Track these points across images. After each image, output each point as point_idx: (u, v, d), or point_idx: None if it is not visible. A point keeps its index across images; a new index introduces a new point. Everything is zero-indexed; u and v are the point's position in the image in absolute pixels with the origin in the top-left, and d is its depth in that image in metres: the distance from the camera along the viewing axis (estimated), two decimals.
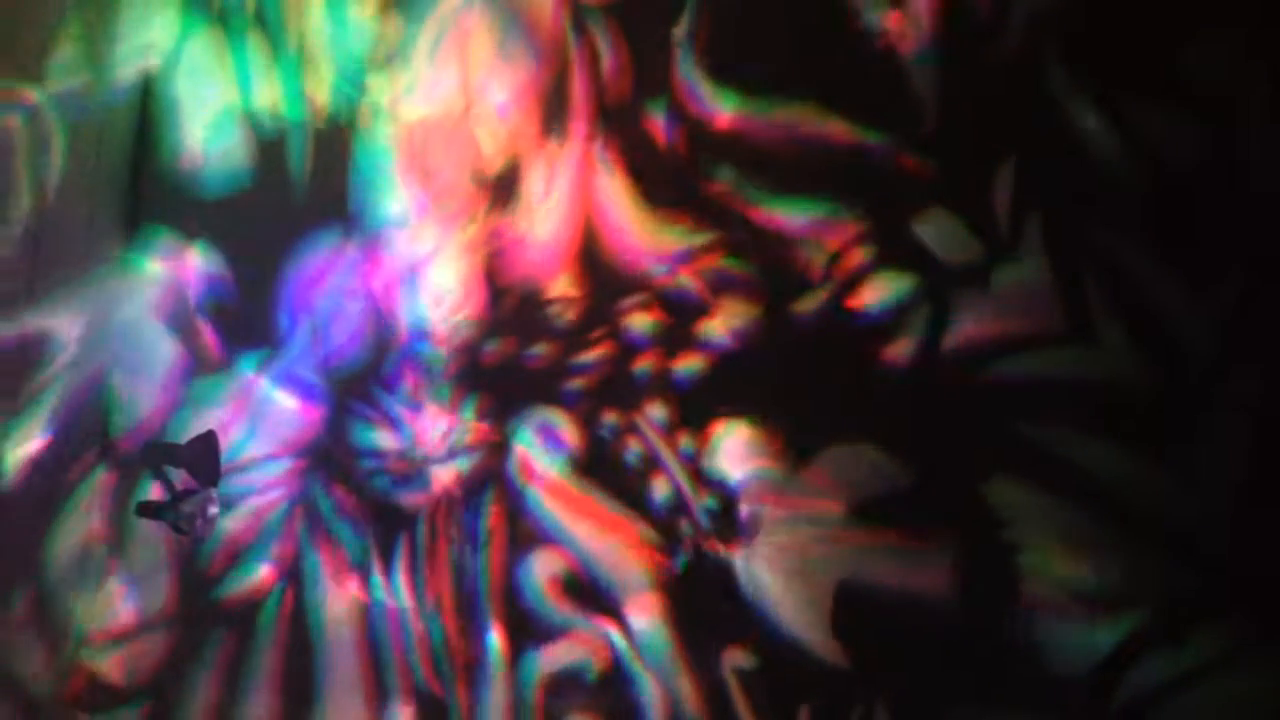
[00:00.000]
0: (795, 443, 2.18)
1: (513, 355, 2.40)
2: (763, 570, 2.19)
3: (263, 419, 2.57)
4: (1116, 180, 1.98)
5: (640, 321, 2.32)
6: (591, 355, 2.35)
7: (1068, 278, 2.00)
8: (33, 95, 2.41)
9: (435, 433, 2.44)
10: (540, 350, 2.38)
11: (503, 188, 2.42)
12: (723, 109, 2.26)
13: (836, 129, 2.17)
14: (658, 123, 2.31)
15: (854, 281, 2.14)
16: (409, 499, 2.47)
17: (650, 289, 2.31)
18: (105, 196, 2.59)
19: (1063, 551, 1.99)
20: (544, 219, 2.38)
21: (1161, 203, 1.95)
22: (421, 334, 2.47)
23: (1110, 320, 1.98)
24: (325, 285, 2.54)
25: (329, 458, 2.51)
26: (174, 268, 2.65)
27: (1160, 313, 1.95)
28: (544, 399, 2.37)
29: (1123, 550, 1.95)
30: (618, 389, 2.31)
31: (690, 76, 2.28)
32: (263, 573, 2.54)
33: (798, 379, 2.19)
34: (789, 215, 2.20)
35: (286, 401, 2.56)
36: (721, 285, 2.25)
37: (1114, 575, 1.96)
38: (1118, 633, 1.95)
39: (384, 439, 2.48)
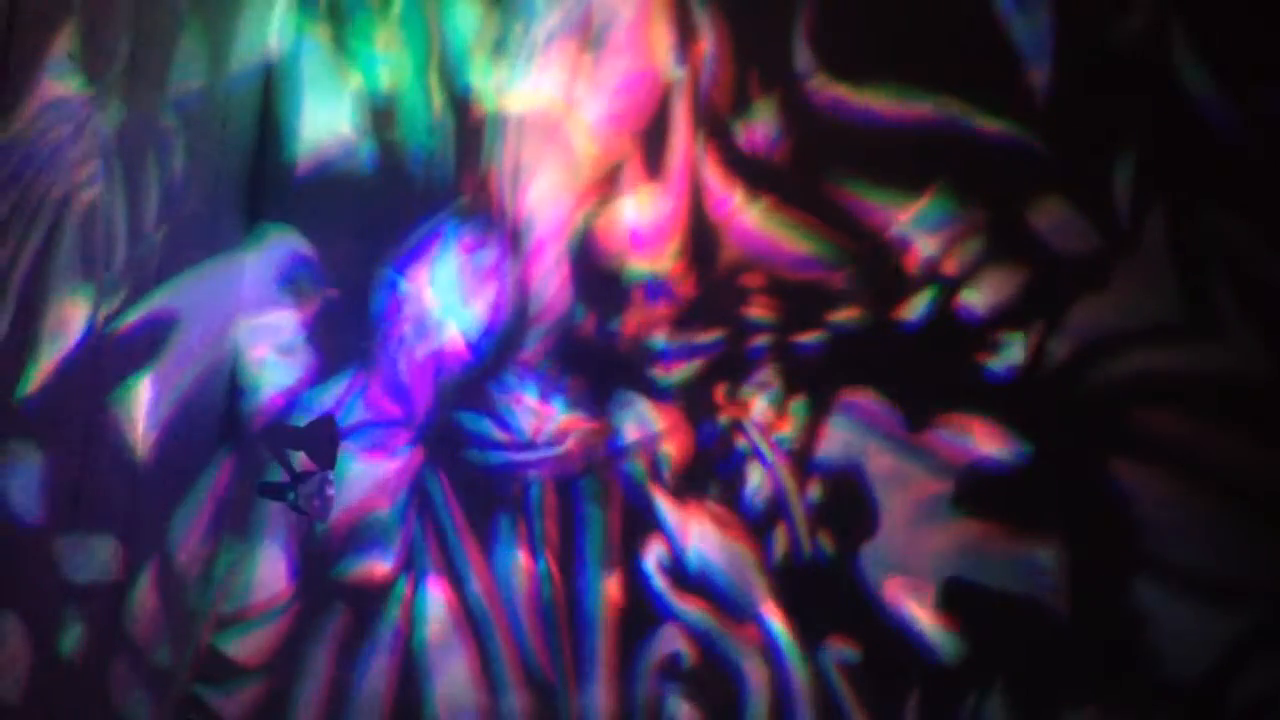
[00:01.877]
0: (907, 428, 2.16)
1: (620, 342, 2.42)
2: (869, 558, 2.17)
3: (377, 406, 2.62)
4: (1243, 165, 1.93)
5: (754, 310, 2.32)
6: (701, 340, 2.36)
7: (1189, 268, 1.96)
8: (156, 93, 2.50)
9: (542, 419, 2.47)
10: (647, 337, 2.39)
11: (612, 180, 2.44)
12: (832, 98, 2.25)
13: (948, 114, 2.15)
14: (767, 117, 2.31)
15: (965, 276, 2.12)
16: (518, 482, 2.50)
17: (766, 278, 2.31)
18: (227, 189, 2.67)
19: (1183, 541, 1.95)
20: (652, 209, 2.40)
21: None
22: (528, 322, 2.50)
23: (1234, 310, 1.93)
24: (437, 274, 2.59)
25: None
26: (292, 255, 2.72)
27: None
28: (648, 387, 2.38)
29: (1246, 540, 1.90)
30: (726, 380, 2.32)
31: (800, 67, 2.28)
32: (382, 557, 2.59)
33: (909, 365, 2.18)
34: (898, 206, 2.18)
35: (397, 388, 2.61)
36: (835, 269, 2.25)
37: (1236, 566, 1.91)
38: (1238, 626, 1.90)
39: (494, 424, 2.52)
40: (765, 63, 2.31)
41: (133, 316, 2.43)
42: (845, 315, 2.23)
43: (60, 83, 2.25)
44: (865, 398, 2.20)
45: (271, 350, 2.68)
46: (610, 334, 2.42)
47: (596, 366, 2.43)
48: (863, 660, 2.17)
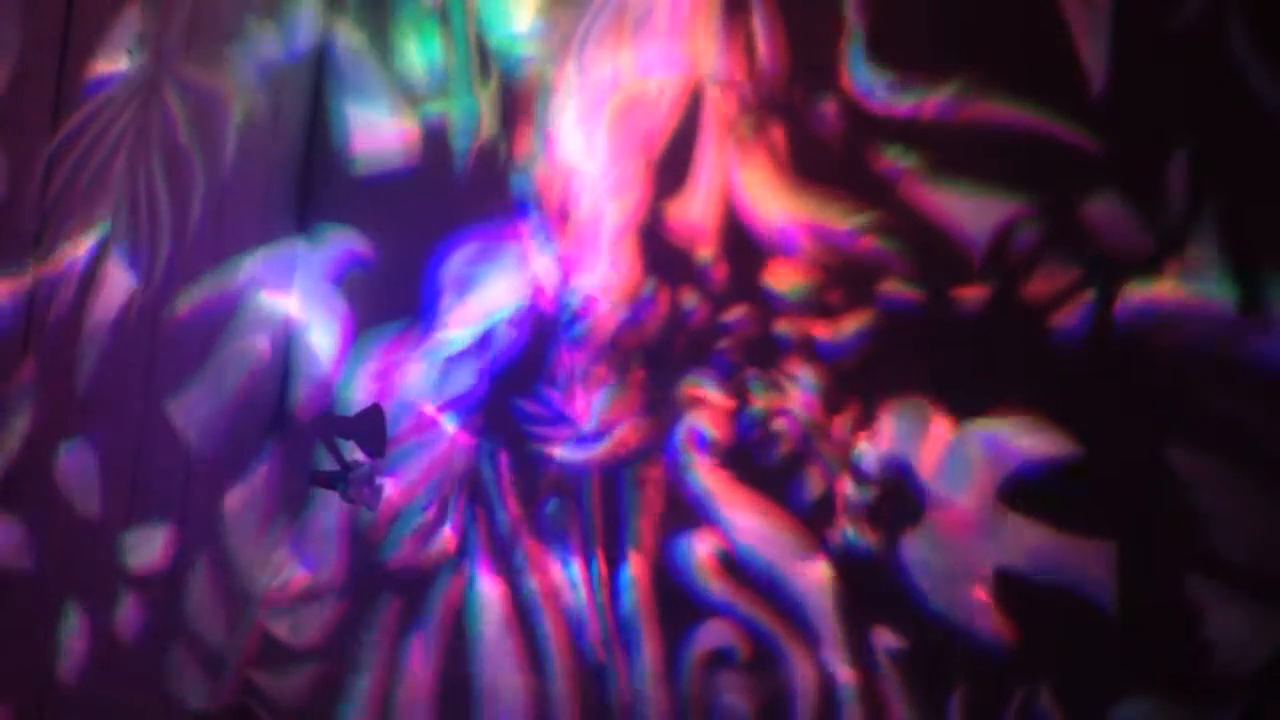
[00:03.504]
0: (957, 418, 2.15)
1: (666, 333, 2.42)
2: (922, 549, 2.17)
3: (427, 393, 2.64)
4: None
5: (791, 288, 2.30)
6: (738, 324, 2.35)
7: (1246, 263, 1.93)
8: (213, 76, 2.52)
9: (590, 408, 2.48)
10: (695, 329, 2.39)
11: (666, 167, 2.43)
12: (883, 87, 2.23)
13: (1002, 106, 2.12)
14: (820, 102, 2.29)
15: (1019, 269, 2.10)
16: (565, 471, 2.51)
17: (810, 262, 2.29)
18: (279, 179, 2.70)
19: (1241, 533, 1.92)
20: (700, 197, 2.39)
21: None
22: (577, 313, 2.50)
23: None
24: (485, 262, 2.60)
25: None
26: (344, 241, 2.74)
27: None
28: (695, 374, 2.38)
29: None
30: (768, 367, 2.31)
31: (850, 54, 2.26)
32: (435, 543, 2.61)
33: (962, 355, 2.16)
34: (953, 196, 2.16)
35: (449, 376, 2.62)
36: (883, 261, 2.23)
37: None
38: None
39: (541, 411, 2.53)
40: (818, 55, 2.29)
41: (185, 305, 2.46)
42: (896, 296, 2.21)
43: (118, 71, 2.28)
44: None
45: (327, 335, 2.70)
46: (678, 318, 2.42)
47: (659, 352, 2.43)
48: (910, 652, 2.17)
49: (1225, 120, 1.96)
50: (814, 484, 2.27)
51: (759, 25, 2.34)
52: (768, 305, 2.32)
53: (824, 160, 2.28)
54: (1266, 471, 1.90)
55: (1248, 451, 1.92)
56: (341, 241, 2.72)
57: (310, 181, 2.74)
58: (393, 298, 2.67)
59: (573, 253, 2.51)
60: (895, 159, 2.21)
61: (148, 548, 2.43)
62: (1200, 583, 1.94)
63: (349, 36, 2.73)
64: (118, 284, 2.32)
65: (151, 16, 2.30)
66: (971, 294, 2.15)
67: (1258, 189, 1.94)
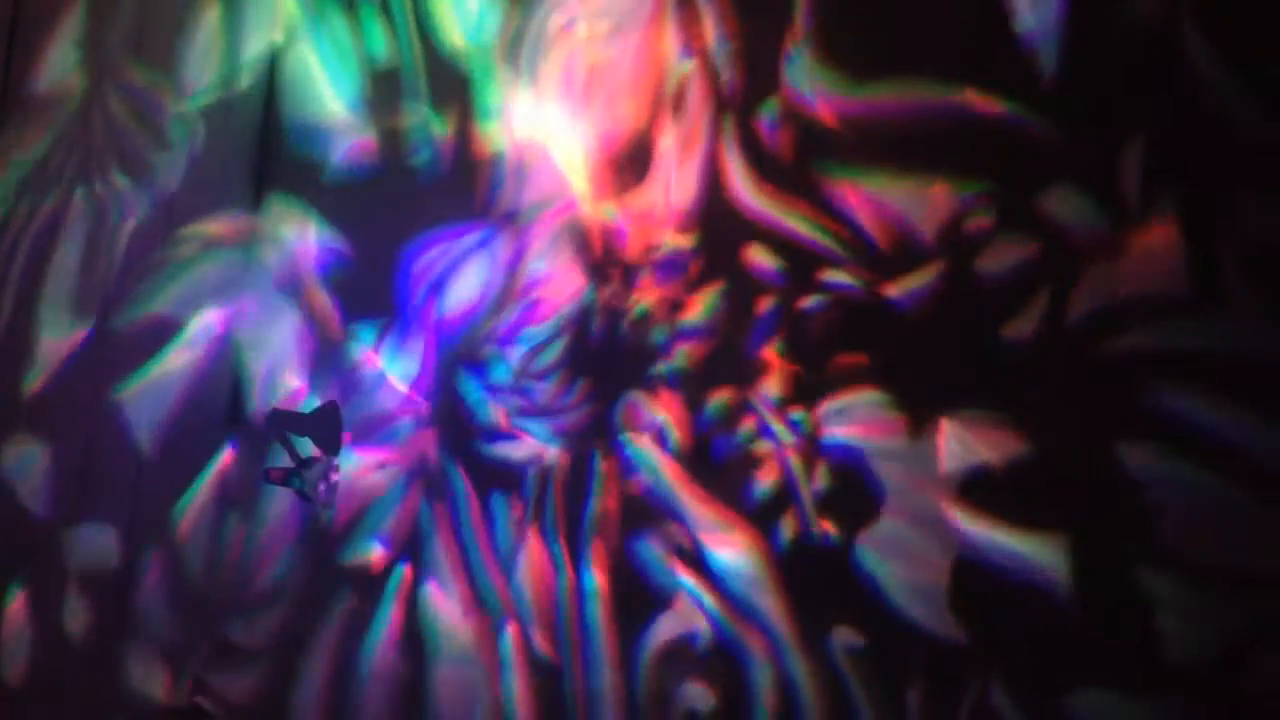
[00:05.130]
0: (912, 414, 2.14)
1: (622, 327, 2.41)
2: (878, 546, 2.16)
3: (381, 389, 2.63)
4: (1255, 141, 1.89)
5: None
6: (700, 322, 2.35)
7: (1200, 243, 1.92)
8: (162, 82, 2.51)
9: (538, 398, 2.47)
10: (649, 325, 2.38)
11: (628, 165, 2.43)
12: (834, 90, 2.22)
13: (954, 99, 2.12)
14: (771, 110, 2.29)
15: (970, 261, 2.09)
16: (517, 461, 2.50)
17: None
18: (233, 179, 2.68)
19: (1192, 524, 1.92)
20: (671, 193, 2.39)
21: None
22: (532, 305, 2.50)
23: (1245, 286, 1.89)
24: (445, 257, 2.59)
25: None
26: (298, 239, 2.73)
27: None
28: (647, 373, 2.37)
29: (1259, 521, 1.87)
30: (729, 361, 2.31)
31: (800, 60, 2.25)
32: (380, 545, 2.61)
33: (915, 349, 2.16)
34: (901, 191, 2.15)
35: (404, 371, 2.61)
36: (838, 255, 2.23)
37: (1249, 551, 1.88)
38: (1249, 612, 1.87)
39: (494, 402, 2.52)
40: (769, 53, 2.29)
41: (138, 309, 2.45)
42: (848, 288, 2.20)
43: (65, 71, 2.27)
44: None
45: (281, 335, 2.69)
46: (619, 314, 2.41)
47: (604, 349, 2.42)
48: (868, 648, 2.17)
49: (1178, 107, 1.96)
50: (769, 477, 2.26)
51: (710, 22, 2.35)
52: (728, 296, 2.32)
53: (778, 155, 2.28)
54: (1219, 463, 1.91)
55: (1200, 444, 1.92)
56: (297, 240, 2.71)
57: (265, 182, 2.73)
58: (353, 296, 2.67)
59: (529, 247, 2.51)
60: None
61: (97, 545, 2.42)
62: (1153, 575, 1.94)
63: (307, 33, 2.72)
64: (68, 289, 2.32)
65: (97, 16, 2.29)
66: (921, 286, 2.15)
67: (1211, 177, 1.94)
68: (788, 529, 2.23)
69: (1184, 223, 1.92)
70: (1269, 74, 1.85)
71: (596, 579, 2.41)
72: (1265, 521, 1.84)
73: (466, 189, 2.57)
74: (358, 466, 2.60)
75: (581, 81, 2.47)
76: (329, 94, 2.71)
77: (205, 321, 2.62)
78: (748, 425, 2.28)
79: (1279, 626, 1.83)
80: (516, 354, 2.50)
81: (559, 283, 2.47)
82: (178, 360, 2.57)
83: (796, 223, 2.25)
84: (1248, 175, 1.87)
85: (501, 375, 2.52)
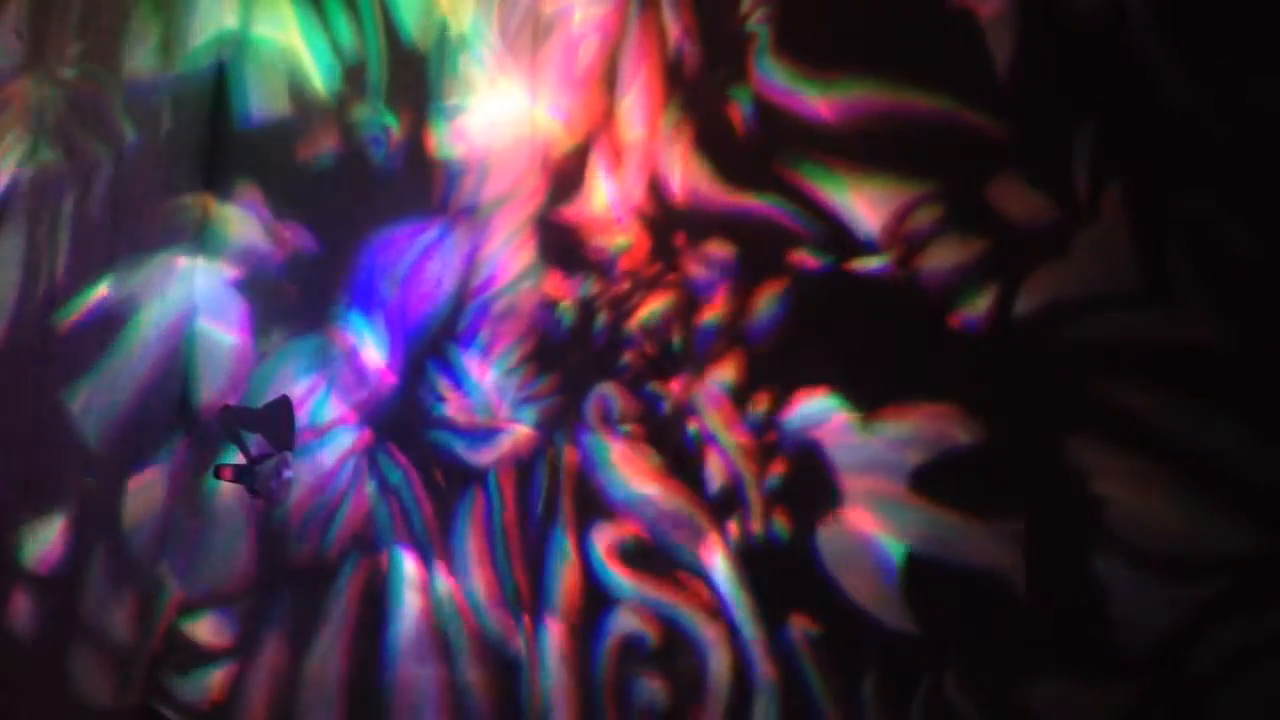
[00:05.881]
0: (862, 407, 2.15)
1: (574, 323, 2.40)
2: (831, 538, 2.17)
3: (338, 384, 2.61)
4: (1203, 137, 1.91)
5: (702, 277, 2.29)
6: (651, 317, 2.34)
7: (1149, 239, 1.94)
8: (106, 71, 2.47)
9: (500, 395, 2.46)
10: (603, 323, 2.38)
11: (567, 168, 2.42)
12: (792, 86, 2.22)
13: (907, 97, 2.12)
14: (731, 103, 2.28)
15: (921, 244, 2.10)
16: (478, 458, 2.49)
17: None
18: (180, 171, 2.65)
19: (1142, 514, 1.94)
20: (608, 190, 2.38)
21: (1250, 159, 1.88)
22: (485, 303, 2.49)
23: (1194, 281, 1.91)
24: (403, 251, 2.57)
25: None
26: (251, 231, 2.70)
27: (1246, 273, 1.88)
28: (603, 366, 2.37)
29: (1204, 512, 1.89)
30: (677, 353, 2.30)
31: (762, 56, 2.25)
32: (337, 538, 2.59)
33: (865, 342, 2.16)
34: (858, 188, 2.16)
35: (362, 365, 2.59)
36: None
37: (1194, 539, 1.90)
38: (1197, 599, 1.89)
39: (453, 399, 2.50)
40: (725, 45, 2.28)
41: (83, 303, 2.41)
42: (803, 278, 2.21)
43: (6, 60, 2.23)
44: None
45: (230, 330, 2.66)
46: (565, 311, 2.41)
47: (553, 345, 2.42)
48: (824, 637, 2.18)
49: (1127, 103, 1.97)
50: (722, 469, 2.27)
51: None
52: (681, 291, 2.31)
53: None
54: (1168, 454, 1.93)
55: (1149, 435, 1.94)
56: (247, 234, 2.68)
57: (214, 173, 2.70)
58: (303, 290, 2.64)
59: (483, 241, 2.49)
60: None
61: (43, 541, 2.38)
62: (1105, 565, 1.96)
63: (257, 22, 2.69)
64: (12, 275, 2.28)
65: (41, 4, 2.26)
66: (874, 279, 2.15)
67: (1160, 172, 1.95)
68: (743, 521, 2.24)
69: (1132, 216, 1.94)
70: (1218, 67, 1.87)
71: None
72: (1208, 510, 1.87)
73: (425, 183, 2.55)
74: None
75: (547, 73, 2.45)
76: (284, 81, 2.68)
77: (154, 314, 2.59)
78: (705, 418, 2.28)
79: (1223, 614, 1.86)
80: (477, 347, 2.49)
81: (520, 276, 2.46)
82: (126, 354, 2.54)
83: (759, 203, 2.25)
84: (1196, 169, 1.88)
85: (462, 369, 2.51)
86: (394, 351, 2.57)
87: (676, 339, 2.31)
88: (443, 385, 2.53)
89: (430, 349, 2.54)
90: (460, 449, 2.50)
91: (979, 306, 2.04)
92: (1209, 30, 1.88)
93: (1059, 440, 1.96)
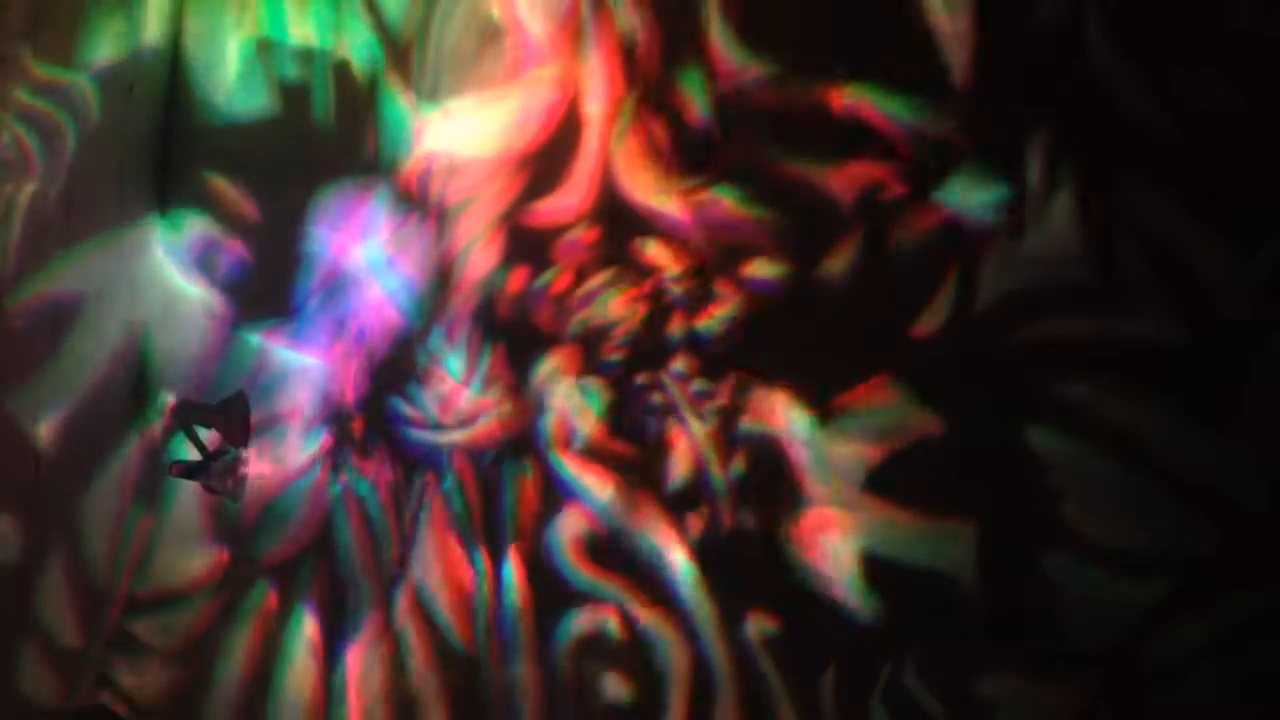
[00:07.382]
0: (824, 400, 2.16)
1: (538, 318, 2.40)
2: (792, 533, 2.18)
3: (289, 379, 2.58)
4: (1153, 137, 1.94)
5: (667, 276, 2.30)
6: (616, 313, 2.34)
7: (1100, 237, 1.97)
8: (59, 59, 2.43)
9: (459, 394, 2.45)
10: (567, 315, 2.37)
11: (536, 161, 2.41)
12: (749, 76, 2.23)
13: (866, 98, 2.14)
14: (688, 92, 2.28)
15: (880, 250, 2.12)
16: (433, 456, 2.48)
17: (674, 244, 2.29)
18: (134, 157, 2.61)
19: (1095, 510, 1.97)
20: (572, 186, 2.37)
21: (1200, 160, 1.92)
22: (449, 291, 2.47)
23: (1144, 278, 1.94)
24: (353, 238, 2.55)
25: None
26: (205, 221, 2.67)
27: (1197, 270, 1.91)
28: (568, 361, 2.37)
29: (1159, 508, 1.92)
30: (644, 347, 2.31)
31: (721, 42, 2.25)
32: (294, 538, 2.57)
33: (826, 335, 2.18)
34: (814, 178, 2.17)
35: (310, 361, 2.57)
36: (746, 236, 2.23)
37: (1148, 534, 1.93)
38: (1148, 595, 1.93)
39: (412, 397, 2.49)
40: (684, 43, 2.28)
41: (33, 293, 2.37)
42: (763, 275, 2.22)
43: None
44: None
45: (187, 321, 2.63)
46: (533, 300, 2.40)
47: (520, 335, 2.41)
48: (783, 633, 2.19)
49: (1081, 103, 2.00)
50: (685, 465, 2.27)
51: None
52: (638, 285, 2.32)
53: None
54: (1121, 448, 1.95)
55: (1103, 429, 1.96)
56: (201, 224, 2.65)
57: (168, 160, 2.66)
58: (258, 278, 2.61)
59: (442, 235, 2.48)
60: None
61: None
62: (1058, 559, 1.99)
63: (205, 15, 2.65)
64: None
65: None
66: (833, 276, 2.17)
67: (1113, 170, 1.98)
68: (705, 515, 2.24)
69: (1084, 214, 1.97)
70: (1170, 71, 1.91)
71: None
72: (1160, 504, 1.90)
73: (385, 180, 2.52)
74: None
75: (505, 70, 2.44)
76: (237, 73, 2.64)
77: (107, 306, 2.54)
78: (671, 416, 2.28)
79: (1176, 607, 1.89)
80: (440, 346, 2.48)
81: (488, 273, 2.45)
82: (78, 347, 2.49)
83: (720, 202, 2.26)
84: (1148, 168, 1.92)
85: (424, 365, 2.49)
86: (349, 350, 2.55)
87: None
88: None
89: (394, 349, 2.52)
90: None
91: (936, 304, 2.07)
92: (1164, 33, 1.92)
93: (1014, 436, 1.99)
